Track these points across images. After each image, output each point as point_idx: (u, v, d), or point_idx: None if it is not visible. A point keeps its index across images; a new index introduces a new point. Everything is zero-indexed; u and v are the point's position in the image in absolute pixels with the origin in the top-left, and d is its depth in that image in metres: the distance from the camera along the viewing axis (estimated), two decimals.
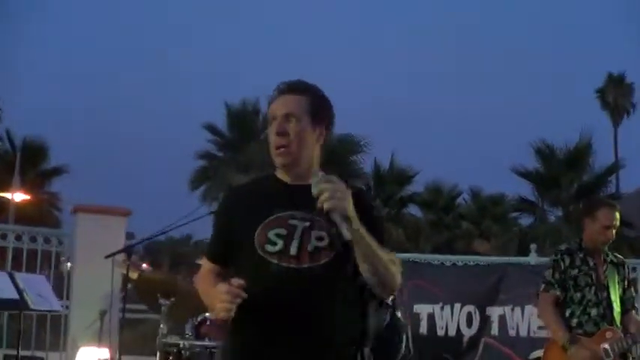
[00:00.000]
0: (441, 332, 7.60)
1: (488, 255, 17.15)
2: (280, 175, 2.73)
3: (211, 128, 25.71)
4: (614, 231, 4.89)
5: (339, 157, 20.80)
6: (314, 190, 2.45)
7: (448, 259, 8.82)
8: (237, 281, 2.46)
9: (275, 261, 2.56)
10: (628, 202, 25.50)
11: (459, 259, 8.75)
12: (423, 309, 7.59)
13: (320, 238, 2.59)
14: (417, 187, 26.42)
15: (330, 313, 2.58)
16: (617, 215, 4.92)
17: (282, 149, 2.63)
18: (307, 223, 2.60)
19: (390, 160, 26.00)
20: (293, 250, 2.57)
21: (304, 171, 2.66)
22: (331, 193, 2.42)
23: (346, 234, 2.42)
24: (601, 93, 43.57)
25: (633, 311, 4.90)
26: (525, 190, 25.64)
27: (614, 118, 43.53)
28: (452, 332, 7.64)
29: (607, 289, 4.79)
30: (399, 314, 3.90)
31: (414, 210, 27.34)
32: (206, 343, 5.64)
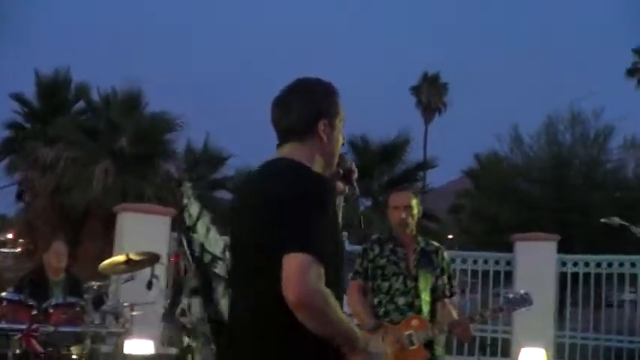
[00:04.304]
0: None
1: None
2: None
3: (19, 98, 24.32)
4: (411, 212, 4.87)
5: (151, 135, 20.23)
6: None
7: None
8: None
9: None
10: (434, 197, 26.72)
11: None
12: None
13: None
14: (229, 171, 25.65)
15: None
16: (407, 197, 4.92)
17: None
18: None
19: (205, 141, 25.15)
20: None
21: None
22: None
23: None
24: (416, 91, 45.33)
25: (446, 299, 4.86)
26: None
27: (426, 115, 45.43)
28: None
29: (416, 278, 4.79)
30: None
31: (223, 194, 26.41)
32: (2, 325, 5.30)
